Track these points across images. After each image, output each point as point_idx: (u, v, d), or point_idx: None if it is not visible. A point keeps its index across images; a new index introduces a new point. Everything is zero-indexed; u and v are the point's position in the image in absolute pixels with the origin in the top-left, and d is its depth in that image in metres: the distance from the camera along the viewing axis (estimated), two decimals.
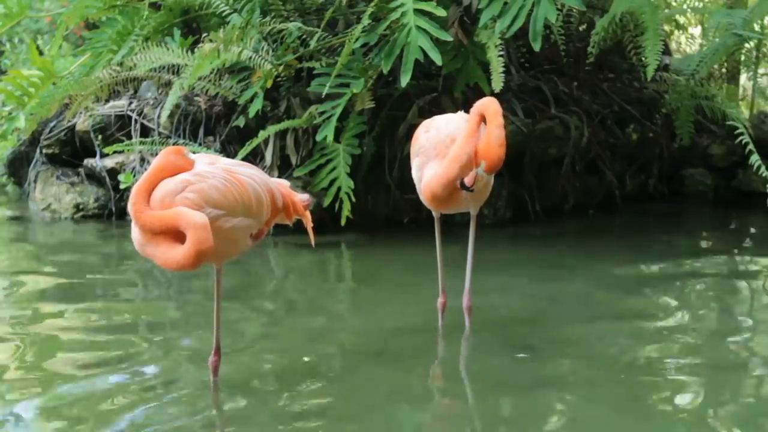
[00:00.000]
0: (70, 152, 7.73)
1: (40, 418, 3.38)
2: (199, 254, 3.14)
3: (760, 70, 9.45)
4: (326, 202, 6.17)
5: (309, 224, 3.71)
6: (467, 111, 4.54)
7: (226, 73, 6.92)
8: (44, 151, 7.78)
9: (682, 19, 10.30)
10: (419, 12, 5.82)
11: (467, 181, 3.79)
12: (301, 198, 3.67)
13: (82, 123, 7.55)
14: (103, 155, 7.32)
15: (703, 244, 6.95)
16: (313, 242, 3.78)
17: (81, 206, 7.49)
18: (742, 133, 6.51)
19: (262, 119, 6.68)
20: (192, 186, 3.24)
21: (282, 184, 3.62)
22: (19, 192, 8.57)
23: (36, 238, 7.32)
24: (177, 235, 3.17)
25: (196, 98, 7.27)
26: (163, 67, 6.86)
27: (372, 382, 3.76)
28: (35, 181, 7.84)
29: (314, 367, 3.97)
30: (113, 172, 7.35)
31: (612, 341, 4.30)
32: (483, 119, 3.79)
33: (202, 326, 4.45)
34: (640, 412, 3.44)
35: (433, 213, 4.21)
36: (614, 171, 7.78)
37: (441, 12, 5.78)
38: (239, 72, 6.79)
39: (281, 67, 6.52)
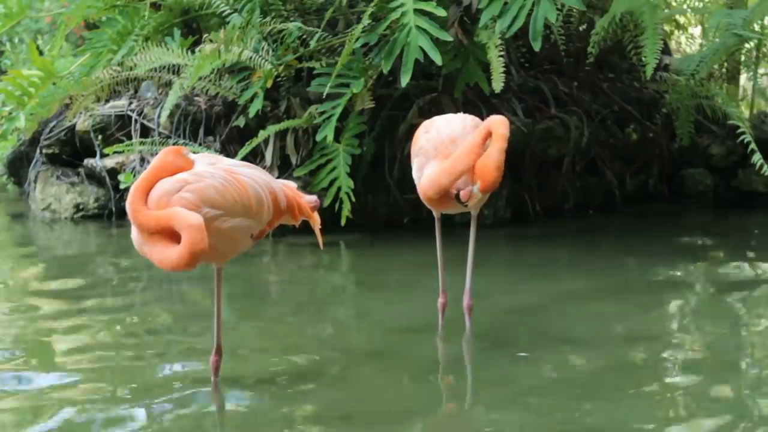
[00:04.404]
0: (70, 152, 7.72)
1: (34, 416, 3.38)
2: (193, 255, 3.13)
3: (760, 70, 9.45)
4: (326, 202, 6.17)
5: (317, 226, 3.68)
6: (467, 111, 4.56)
7: (226, 73, 6.92)
8: (44, 151, 7.78)
9: (682, 19, 10.30)
10: (419, 12, 5.82)
11: (462, 195, 3.83)
12: (308, 199, 3.65)
13: (82, 123, 7.54)
14: (103, 155, 7.31)
15: (704, 244, 6.94)
16: (321, 244, 3.78)
17: (81, 206, 7.49)
18: (743, 133, 6.50)
19: (262, 119, 6.67)
20: (189, 186, 3.23)
21: (287, 185, 3.61)
22: (19, 192, 8.57)
23: (36, 238, 7.32)
24: (174, 235, 3.17)
25: (196, 98, 7.26)
26: (163, 67, 6.85)
27: (372, 381, 3.76)
28: (35, 181, 7.84)
29: (314, 367, 3.97)
30: (113, 172, 7.35)
31: (612, 341, 4.30)
32: (490, 136, 3.81)
33: (203, 326, 4.45)
34: (640, 412, 3.44)
35: (434, 213, 4.21)
36: (614, 171, 7.78)
37: (441, 12, 5.78)
38: (239, 72, 6.79)
39: (281, 67, 6.52)
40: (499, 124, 3.80)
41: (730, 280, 5.72)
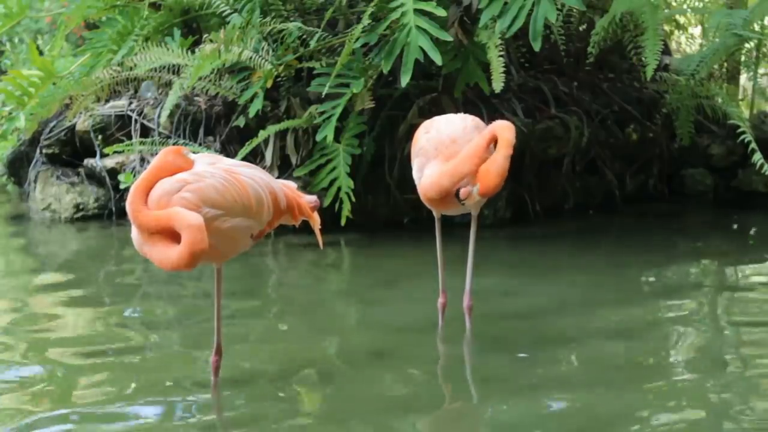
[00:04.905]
0: (70, 152, 7.72)
1: (35, 420, 3.38)
2: (193, 255, 3.13)
3: (760, 70, 9.43)
4: (326, 202, 6.17)
5: (317, 226, 3.67)
6: (467, 111, 4.56)
7: (226, 73, 6.91)
8: (44, 151, 7.78)
9: (682, 19, 10.30)
10: (419, 12, 5.81)
11: (462, 193, 3.84)
12: (308, 199, 3.65)
13: (82, 123, 7.54)
14: (104, 155, 7.31)
15: (703, 244, 6.94)
16: (321, 244, 3.77)
17: (81, 206, 7.49)
18: (743, 133, 6.50)
19: (262, 119, 6.67)
20: (189, 185, 3.23)
21: (287, 185, 3.61)
22: (19, 192, 8.57)
23: (36, 238, 7.32)
24: (174, 236, 3.17)
25: (196, 98, 7.26)
26: (163, 67, 6.85)
27: (372, 381, 3.76)
28: (35, 181, 7.83)
29: (314, 367, 3.97)
30: (113, 172, 7.35)
31: (613, 342, 4.30)
32: (494, 140, 3.81)
33: (203, 326, 4.45)
34: (640, 413, 3.44)
35: (434, 213, 4.21)
36: (614, 171, 7.77)
37: (441, 12, 5.77)
38: (239, 72, 6.78)
39: (281, 67, 6.52)
40: (505, 129, 3.80)
41: (730, 281, 5.73)
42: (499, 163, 3.74)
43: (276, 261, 6.29)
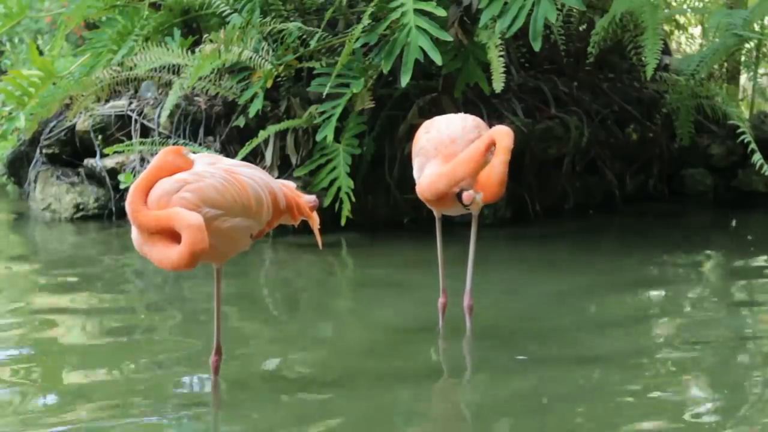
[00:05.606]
0: (70, 152, 7.72)
1: (37, 417, 3.38)
2: (194, 255, 3.13)
3: (760, 70, 9.44)
4: (326, 202, 6.17)
5: (316, 226, 3.67)
6: (467, 111, 4.56)
7: (226, 73, 6.91)
8: (44, 151, 7.77)
9: (682, 19, 10.30)
10: (419, 12, 5.82)
11: (465, 198, 3.84)
12: (308, 199, 3.65)
13: (82, 123, 7.54)
14: (103, 155, 7.31)
15: (703, 244, 6.94)
16: (320, 244, 3.77)
17: (81, 206, 7.49)
18: (743, 133, 6.51)
19: (262, 119, 6.67)
20: (189, 185, 3.23)
21: (287, 185, 3.61)
22: (19, 192, 8.57)
23: (36, 238, 7.32)
24: (174, 235, 3.17)
25: (196, 98, 7.26)
26: (163, 67, 6.85)
27: (372, 381, 3.76)
28: (35, 181, 7.83)
29: (314, 367, 3.97)
30: (113, 172, 7.34)
31: (612, 342, 4.30)
32: (493, 145, 3.82)
33: (203, 326, 4.45)
34: (639, 414, 3.44)
35: (434, 213, 4.22)
36: (614, 171, 7.78)
37: (441, 12, 5.78)
38: (239, 72, 6.78)
39: (281, 67, 6.52)
40: (503, 135, 3.82)
41: (730, 281, 5.73)
42: (498, 170, 3.78)
43: (275, 261, 6.29)
